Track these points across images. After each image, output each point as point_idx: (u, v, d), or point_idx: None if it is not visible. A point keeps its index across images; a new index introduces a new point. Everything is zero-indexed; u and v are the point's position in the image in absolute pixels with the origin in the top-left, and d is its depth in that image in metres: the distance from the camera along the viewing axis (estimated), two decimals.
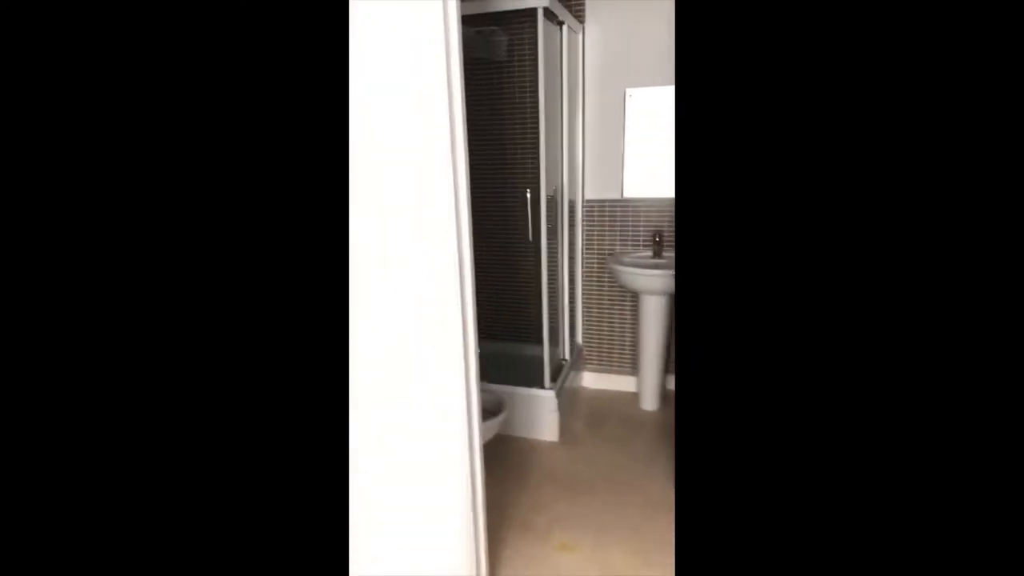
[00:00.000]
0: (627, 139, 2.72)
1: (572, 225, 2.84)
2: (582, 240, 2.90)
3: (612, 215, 2.83)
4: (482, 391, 2.30)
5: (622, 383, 2.99)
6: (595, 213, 2.85)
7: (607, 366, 3.03)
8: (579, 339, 3.02)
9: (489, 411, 2.20)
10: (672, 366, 2.84)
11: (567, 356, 2.81)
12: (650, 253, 2.76)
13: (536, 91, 2.20)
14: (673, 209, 2.71)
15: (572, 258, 2.88)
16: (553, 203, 2.50)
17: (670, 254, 2.73)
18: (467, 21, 2.33)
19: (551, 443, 2.50)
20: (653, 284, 2.56)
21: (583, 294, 2.98)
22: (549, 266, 2.44)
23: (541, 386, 2.49)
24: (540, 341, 2.49)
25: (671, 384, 2.88)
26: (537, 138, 2.26)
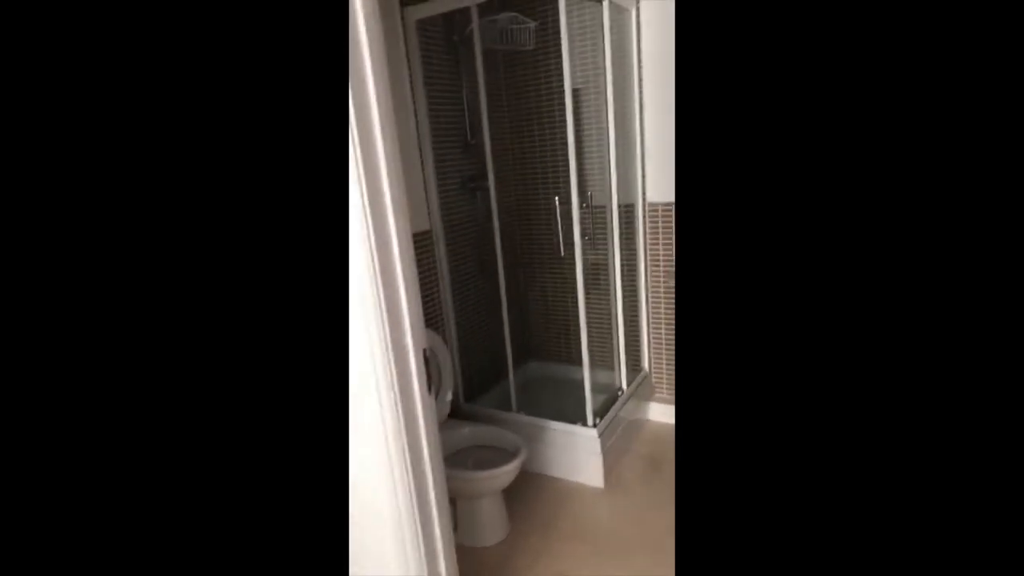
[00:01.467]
0: None
1: (630, 234, 2.46)
2: (644, 251, 2.50)
3: None
4: (505, 428, 2.04)
5: None
6: (660, 218, 2.44)
7: None
8: (646, 365, 2.62)
9: (511, 453, 1.92)
10: None
11: (624, 385, 2.43)
12: None
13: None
14: None
15: (632, 272, 2.50)
16: (592, 210, 2.15)
17: None
18: (485, 9, 2.08)
19: (594, 489, 2.15)
20: None
21: (650, 314, 2.57)
22: (589, 283, 2.10)
23: (583, 423, 2.15)
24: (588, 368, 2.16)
25: None
26: (566, 137, 1.95)
